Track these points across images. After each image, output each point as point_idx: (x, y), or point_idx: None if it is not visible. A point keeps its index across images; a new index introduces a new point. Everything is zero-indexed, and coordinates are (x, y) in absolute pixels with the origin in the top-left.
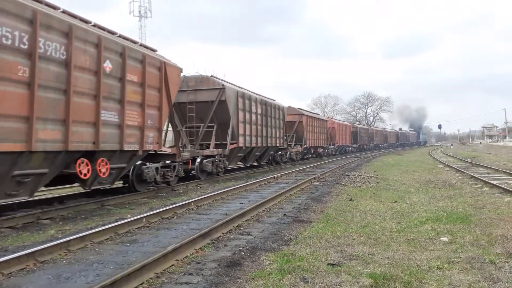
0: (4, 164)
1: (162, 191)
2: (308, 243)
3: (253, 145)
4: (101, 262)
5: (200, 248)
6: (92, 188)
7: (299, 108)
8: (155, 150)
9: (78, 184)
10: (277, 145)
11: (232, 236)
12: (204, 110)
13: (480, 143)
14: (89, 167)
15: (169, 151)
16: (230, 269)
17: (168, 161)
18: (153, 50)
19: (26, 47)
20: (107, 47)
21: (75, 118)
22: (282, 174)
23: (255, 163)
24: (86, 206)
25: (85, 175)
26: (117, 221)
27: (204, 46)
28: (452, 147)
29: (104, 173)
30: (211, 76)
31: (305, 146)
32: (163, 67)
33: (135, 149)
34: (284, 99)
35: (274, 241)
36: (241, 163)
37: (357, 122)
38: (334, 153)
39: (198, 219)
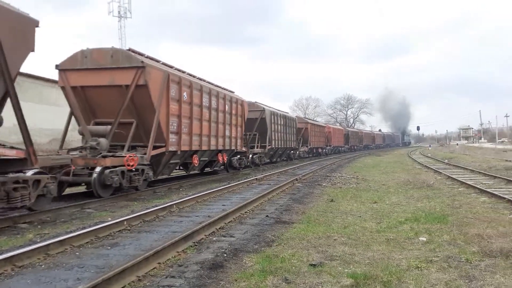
0: (202, 155)
1: (143, 194)
2: (290, 244)
3: (279, 146)
4: (82, 266)
5: (183, 250)
6: (215, 168)
7: (304, 117)
8: (236, 149)
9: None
10: (292, 146)
11: (214, 238)
12: (251, 124)
13: (457, 144)
14: (221, 157)
15: (244, 149)
16: (212, 271)
17: (238, 155)
18: (232, 92)
19: (207, 105)
20: (226, 98)
21: (219, 134)
22: (264, 176)
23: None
24: (66, 210)
25: (220, 161)
26: (98, 224)
27: (183, 46)
28: (430, 148)
29: (224, 161)
30: (255, 102)
31: (309, 147)
32: (242, 103)
33: (233, 149)
34: (265, 101)
35: (256, 242)
36: (268, 159)
37: (338, 124)
38: (330, 152)
39: (180, 221)
